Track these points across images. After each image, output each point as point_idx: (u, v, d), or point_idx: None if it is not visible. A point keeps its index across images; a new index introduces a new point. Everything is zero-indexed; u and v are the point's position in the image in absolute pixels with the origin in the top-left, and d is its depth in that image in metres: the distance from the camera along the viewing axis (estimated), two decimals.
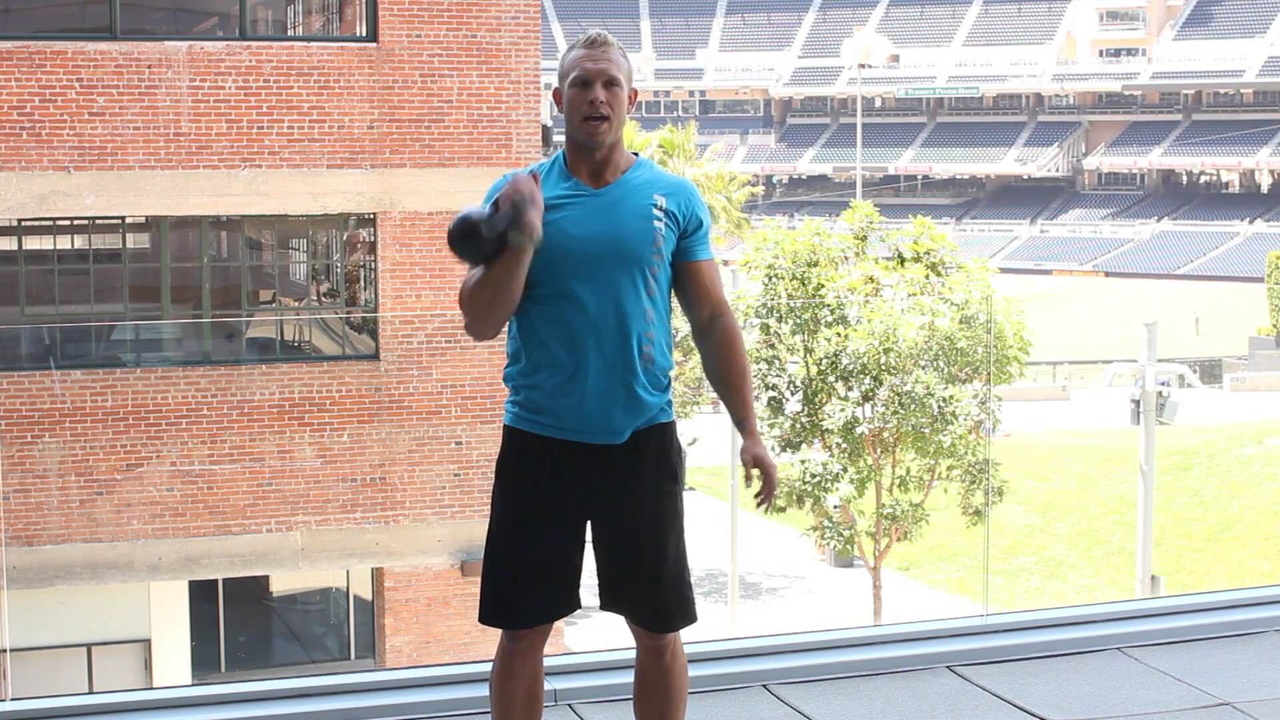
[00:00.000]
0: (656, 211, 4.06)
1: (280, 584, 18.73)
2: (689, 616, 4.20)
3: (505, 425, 4.20)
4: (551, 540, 4.11)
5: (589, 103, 3.99)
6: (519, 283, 3.95)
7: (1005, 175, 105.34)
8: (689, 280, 4.14)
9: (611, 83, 4.01)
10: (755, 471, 4.16)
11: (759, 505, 4.19)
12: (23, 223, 16.24)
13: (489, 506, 4.27)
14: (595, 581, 4.26)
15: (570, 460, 4.10)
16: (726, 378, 4.19)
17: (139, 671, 16.84)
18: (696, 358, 33.95)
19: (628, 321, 4.05)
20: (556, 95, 4.09)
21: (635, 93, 4.11)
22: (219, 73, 16.35)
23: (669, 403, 4.19)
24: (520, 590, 4.12)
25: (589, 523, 4.18)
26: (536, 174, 4.03)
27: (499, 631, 4.22)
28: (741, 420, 4.19)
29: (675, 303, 4.25)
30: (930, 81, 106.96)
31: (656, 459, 4.15)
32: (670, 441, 4.19)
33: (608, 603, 4.23)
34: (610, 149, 4.05)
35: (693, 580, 4.24)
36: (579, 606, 4.28)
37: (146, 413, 16.19)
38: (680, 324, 35.94)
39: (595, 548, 4.21)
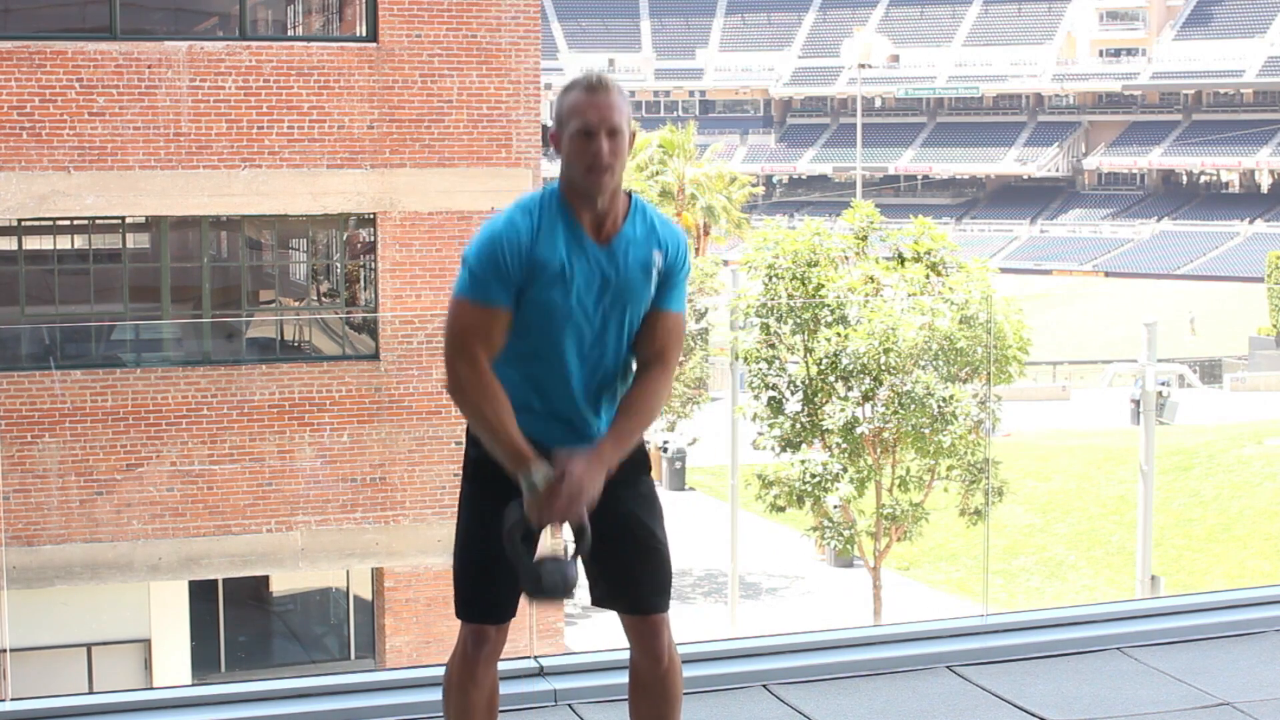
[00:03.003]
0: (655, 272, 4.04)
1: (280, 584, 18.73)
2: (668, 595, 4.22)
3: None
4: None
5: (593, 154, 3.90)
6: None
7: (1005, 175, 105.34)
8: (648, 323, 4.10)
9: (614, 132, 3.92)
10: (546, 476, 3.91)
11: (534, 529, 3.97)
12: (23, 223, 16.24)
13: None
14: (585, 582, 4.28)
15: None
16: (625, 409, 4.09)
17: (139, 671, 16.84)
18: (696, 357, 34.02)
19: (608, 373, 4.09)
20: (554, 139, 3.98)
21: (634, 134, 4.05)
22: (219, 73, 16.36)
23: None
24: (494, 584, 4.13)
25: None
26: (531, 210, 3.96)
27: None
28: (603, 441, 4.03)
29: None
30: (930, 81, 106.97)
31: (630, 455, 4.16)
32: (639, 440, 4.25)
33: (597, 596, 4.22)
34: (611, 195, 3.99)
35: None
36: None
37: (146, 413, 16.19)
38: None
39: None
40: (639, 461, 4.23)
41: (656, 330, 4.08)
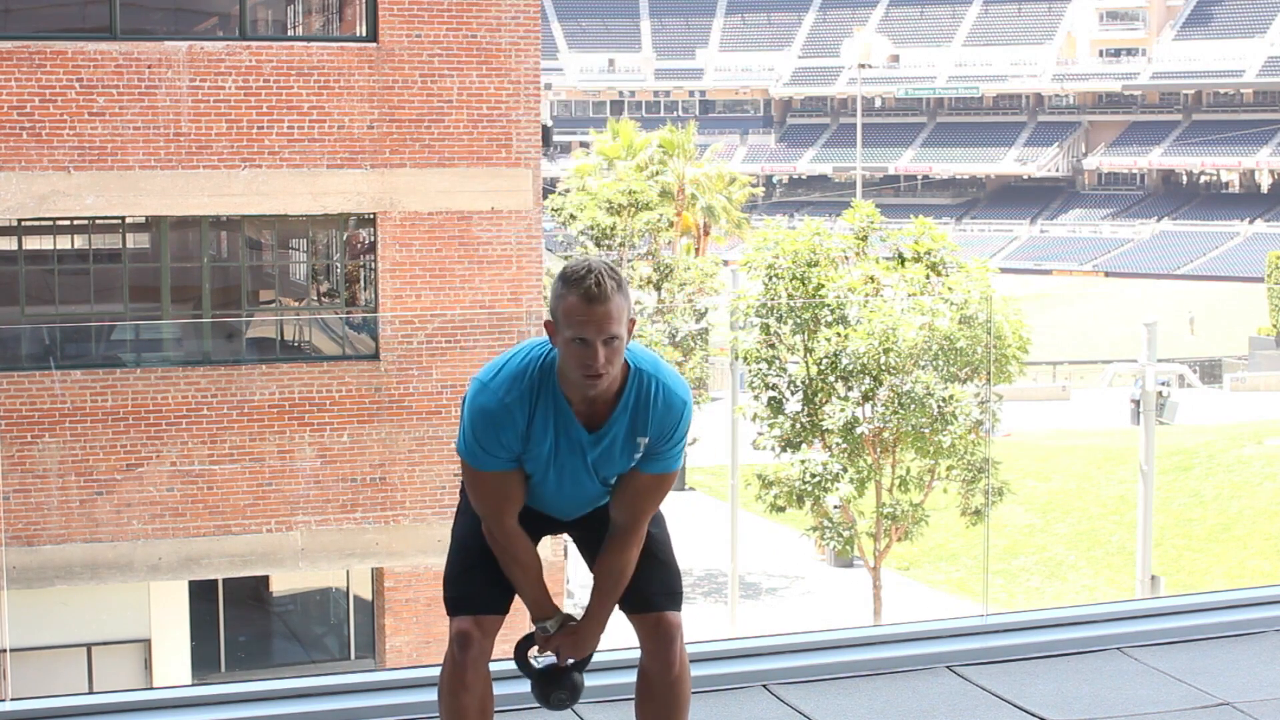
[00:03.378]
0: (637, 451, 4.08)
1: (280, 584, 18.72)
2: (678, 602, 4.28)
3: None
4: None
5: (588, 363, 3.89)
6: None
7: (1005, 175, 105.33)
8: (627, 482, 4.15)
9: (611, 340, 3.88)
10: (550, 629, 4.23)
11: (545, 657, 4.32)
12: (23, 223, 16.24)
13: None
14: (573, 586, 4.35)
15: None
16: (604, 574, 4.20)
17: (139, 671, 16.84)
18: (696, 357, 34.03)
19: (595, 500, 4.25)
20: (549, 327, 3.96)
21: (633, 322, 4.00)
22: (219, 73, 16.35)
23: None
24: (484, 577, 4.18)
25: (566, 530, 4.31)
26: (525, 392, 4.01)
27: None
28: (591, 607, 4.24)
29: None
30: (930, 81, 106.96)
31: None
32: None
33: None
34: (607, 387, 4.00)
35: (693, 580, 4.31)
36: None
37: (146, 413, 16.19)
38: (679, 324, 35.77)
39: (584, 549, 4.32)
40: None
41: (628, 488, 4.14)
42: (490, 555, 4.18)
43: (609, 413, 4.02)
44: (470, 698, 4.17)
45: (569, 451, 4.05)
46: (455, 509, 4.35)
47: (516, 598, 4.27)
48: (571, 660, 4.25)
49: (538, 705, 4.32)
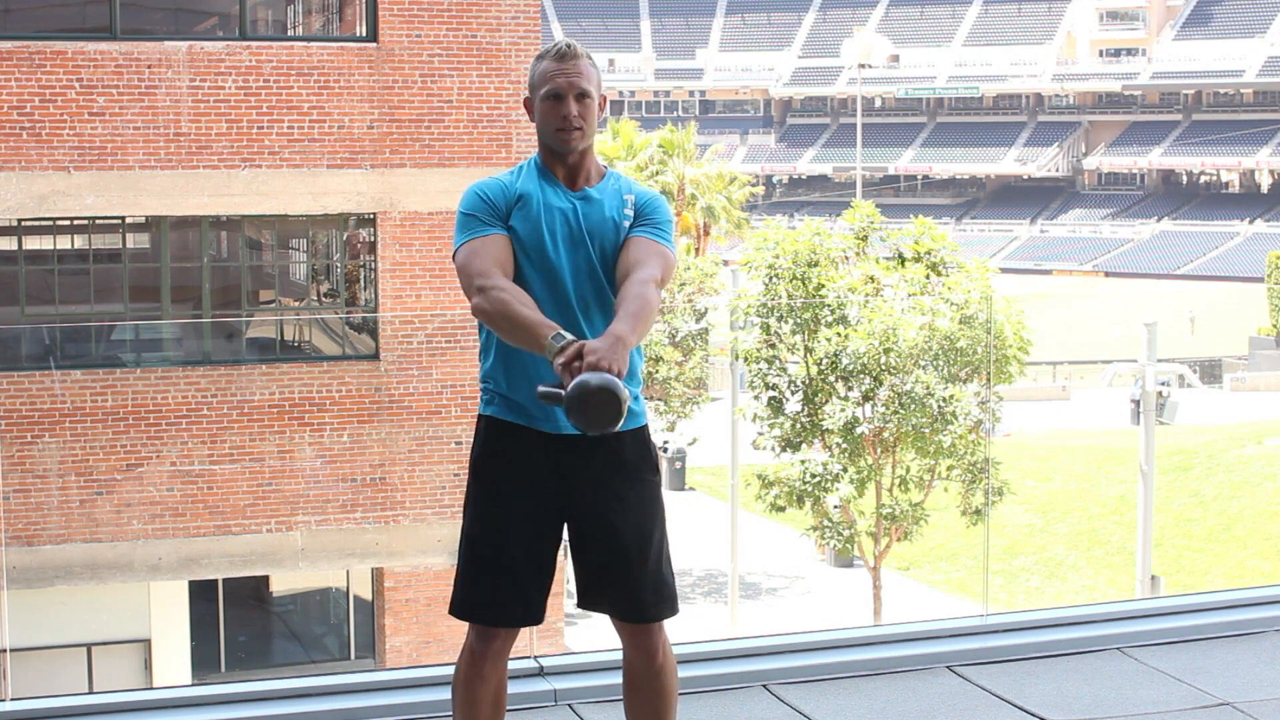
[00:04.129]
0: (626, 211, 4.23)
1: (280, 584, 18.72)
2: (673, 607, 4.23)
3: (483, 415, 4.24)
4: (530, 534, 4.16)
5: (562, 116, 4.15)
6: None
7: (1005, 175, 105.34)
8: (625, 250, 4.19)
9: (583, 95, 4.17)
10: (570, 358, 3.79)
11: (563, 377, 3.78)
12: (23, 223, 16.24)
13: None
14: (572, 587, 4.27)
15: (549, 454, 4.16)
16: (622, 298, 4.03)
17: (139, 671, 16.84)
18: (696, 357, 34.03)
19: (594, 310, 4.17)
20: (527, 105, 4.26)
21: (604, 99, 4.30)
22: (219, 73, 16.36)
23: (642, 409, 4.27)
24: (496, 585, 4.14)
25: (566, 523, 4.21)
26: (511, 170, 4.24)
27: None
28: (615, 322, 3.94)
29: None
30: (930, 81, 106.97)
31: (636, 451, 4.22)
32: (647, 439, 4.27)
33: (589, 600, 4.22)
34: (582, 154, 4.22)
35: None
36: (541, 620, 4.27)
37: (146, 413, 16.19)
38: (679, 324, 35.76)
39: (575, 545, 4.24)
40: (646, 459, 4.24)
41: (628, 251, 4.18)
42: (501, 557, 4.15)
43: (591, 184, 4.24)
44: (486, 688, 4.18)
45: (559, 204, 4.18)
46: (461, 505, 4.34)
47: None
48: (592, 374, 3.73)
49: (587, 429, 3.70)
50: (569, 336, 3.83)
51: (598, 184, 4.24)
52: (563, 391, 3.68)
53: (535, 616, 4.19)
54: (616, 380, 3.65)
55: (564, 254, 4.15)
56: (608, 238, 4.18)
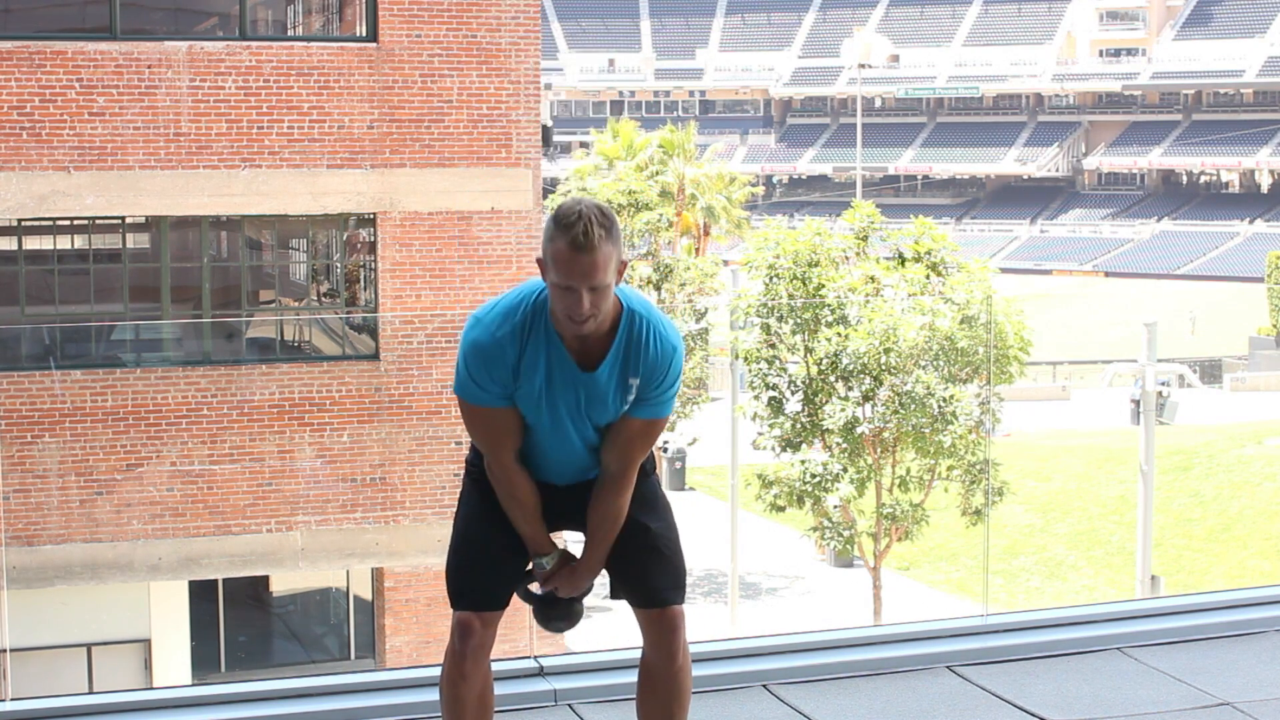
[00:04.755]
0: (629, 396, 4.11)
1: (280, 584, 18.72)
2: (684, 590, 4.32)
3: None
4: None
5: (574, 307, 3.92)
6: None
7: (1005, 175, 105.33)
8: (618, 429, 4.17)
9: (597, 288, 3.90)
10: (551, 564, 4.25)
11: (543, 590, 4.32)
12: (23, 223, 16.24)
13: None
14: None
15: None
16: (594, 519, 4.23)
17: (139, 671, 16.84)
18: (696, 357, 34.02)
19: (590, 454, 4.23)
20: (540, 265, 3.99)
21: (624, 264, 4.01)
22: (219, 73, 16.35)
23: None
24: (481, 572, 4.21)
25: (566, 525, 4.33)
26: (518, 327, 4.04)
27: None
28: (586, 552, 4.27)
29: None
30: (930, 81, 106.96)
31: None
32: None
33: (619, 590, 4.33)
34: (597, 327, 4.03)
35: (693, 580, 4.31)
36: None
37: (146, 413, 16.19)
38: (679, 324, 35.74)
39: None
40: (644, 465, 4.32)
41: (620, 434, 4.16)
42: (491, 547, 4.21)
43: (602, 351, 4.06)
44: (469, 688, 4.20)
45: (562, 386, 4.07)
46: (457, 500, 4.39)
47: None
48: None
49: (544, 629, 4.42)
50: (549, 565, 4.24)
51: (611, 345, 4.05)
52: (538, 594, 4.31)
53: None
54: (579, 604, 4.32)
55: (568, 425, 4.13)
56: (607, 414, 4.12)
